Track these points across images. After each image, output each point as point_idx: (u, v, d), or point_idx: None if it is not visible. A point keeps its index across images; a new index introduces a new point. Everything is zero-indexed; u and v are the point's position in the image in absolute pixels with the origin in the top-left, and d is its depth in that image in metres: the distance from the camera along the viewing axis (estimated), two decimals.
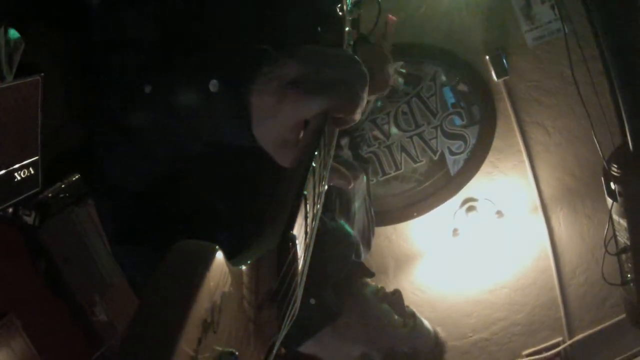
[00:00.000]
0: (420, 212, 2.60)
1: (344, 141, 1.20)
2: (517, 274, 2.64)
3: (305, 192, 0.40)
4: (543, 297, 2.65)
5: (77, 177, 1.32)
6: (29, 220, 1.26)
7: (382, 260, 2.59)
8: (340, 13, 0.88)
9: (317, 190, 0.46)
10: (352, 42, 0.97)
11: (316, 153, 0.45)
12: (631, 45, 1.80)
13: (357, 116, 0.56)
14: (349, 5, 0.91)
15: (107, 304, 1.93)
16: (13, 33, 0.65)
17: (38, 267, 1.62)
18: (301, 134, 0.55)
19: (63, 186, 1.28)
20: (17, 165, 0.84)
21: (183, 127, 0.64)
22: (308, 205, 0.41)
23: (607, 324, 2.62)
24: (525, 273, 2.64)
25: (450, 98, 2.49)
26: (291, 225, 0.36)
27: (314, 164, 0.43)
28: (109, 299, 1.95)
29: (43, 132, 0.89)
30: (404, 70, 2.18)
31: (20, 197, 0.90)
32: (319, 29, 0.84)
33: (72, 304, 1.82)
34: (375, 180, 2.55)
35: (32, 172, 0.88)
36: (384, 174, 2.57)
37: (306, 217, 0.41)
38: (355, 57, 0.59)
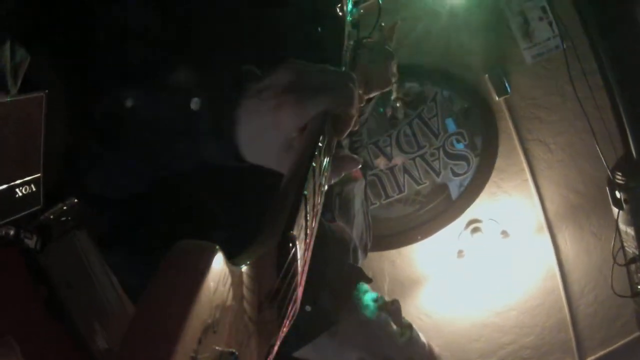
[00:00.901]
0: (425, 235, 2.58)
1: (345, 141, 1.20)
2: (524, 296, 2.61)
3: (305, 192, 0.40)
4: (552, 319, 2.61)
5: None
6: (31, 243, 1.24)
7: (387, 286, 2.56)
8: (340, 13, 0.90)
9: (317, 191, 0.46)
10: (352, 43, 0.98)
11: (316, 153, 0.45)
12: (629, 53, 1.83)
13: (354, 111, 0.56)
14: (349, 6, 0.92)
15: (107, 331, 1.90)
16: (18, 47, 0.66)
17: (39, 292, 1.60)
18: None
19: (65, 208, 1.27)
20: (18, 181, 0.84)
21: (159, 143, 0.63)
22: (308, 206, 0.41)
23: (618, 344, 2.57)
24: (533, 294, 2.61)
25: (452, 128, 2.50)
26: (291, 225, 0.36)
27: (314, 164, 0.43)
28: (110, 327, 1.92)
29: (45, 149, 0.88)
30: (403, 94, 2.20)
31: (21, 214, 0.89)
32: (319, 29, 0.85)
33: (73, 330, 1.80)
34: (378, 204, 2.54)
35: (34, 189, 0.88)
36: (387, 197, 2.56)
37: (306, 217, 0.41)
38: (340, 70, 0.59)
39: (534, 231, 2.56)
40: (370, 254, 1.34)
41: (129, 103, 0.61)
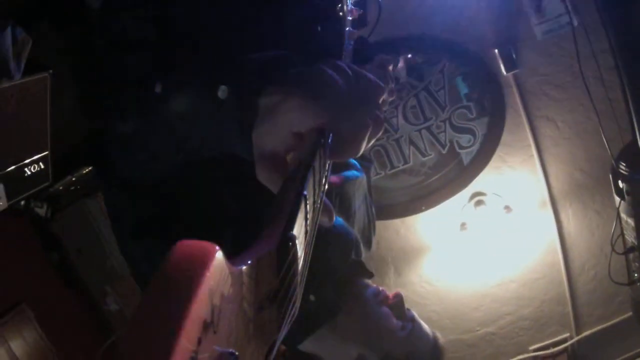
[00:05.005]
0: (429, 206, 2.59)
1: None
2: (525, 269, 2.63)
3: (305, 192, 0.40)
4: (551, 292, 2.64)
5: (87, 169, 1.34)
6: (41, 212, 1.28)
7: (390, 253, 2.59)
8: (340, 13, 0.88)
9: (317, 190, 0.46)
10: (352, 43, 0.97)
11: (316, 153, 0.45)
12: None
13: (353, 150, 0.54)
14: (349, 5, 0.90)
15: (118, 293, 1.95)
16: (20, 31, 0.66)
17: (51, 259, 1.65)
18: (291, 157, 0.52)
19: (74, 179, 1.29)
20: (27, 161, 0.86)
21: (186, 130, 0.63)
22: (308, 205, 0.41)
23: (615, 320, 2.60)
24: (534, 267, 2.63)
25: (463, 88, 2.46)
26: (291, 225, 0.36)
27: (314, 164, 0.43)
28: (120, 289, 1.97)
29: (53, 125, 0.90)
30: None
31: (31, 192, 0.91)
32: (319, 28, 0.84)
33: (84, 294, 1.85)
34: (383, 174, 2.54)
35: (42, 166, 0.89)
36: (392, 167, 2.56)
37: (306, 217, 0.40)
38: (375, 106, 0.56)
39: (537, 207, 2.56)
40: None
41: (158, 88, 0.61)
